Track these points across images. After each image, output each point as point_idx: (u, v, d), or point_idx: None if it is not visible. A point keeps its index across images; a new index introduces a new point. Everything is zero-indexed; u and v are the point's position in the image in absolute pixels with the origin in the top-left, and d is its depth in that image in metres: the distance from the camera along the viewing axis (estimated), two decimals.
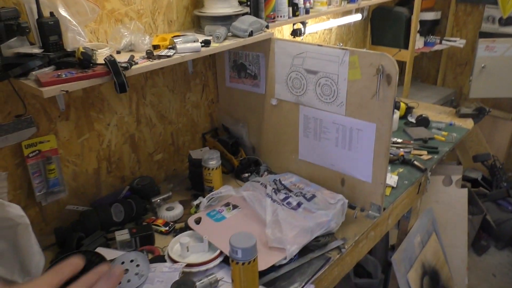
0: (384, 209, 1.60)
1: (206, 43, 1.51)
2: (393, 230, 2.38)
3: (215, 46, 1.53)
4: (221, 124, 2.08)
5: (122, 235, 1.41)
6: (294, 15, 1.99)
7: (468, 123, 2.41)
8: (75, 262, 0.50)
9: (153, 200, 1.63)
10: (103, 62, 1.23)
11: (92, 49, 1.27)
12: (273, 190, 1.61)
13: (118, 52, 1.43)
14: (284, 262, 1.32)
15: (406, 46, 2.83)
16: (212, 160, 1.68)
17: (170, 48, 1.44)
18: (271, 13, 1.87)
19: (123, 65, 1.25)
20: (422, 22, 3.00)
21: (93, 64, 1.25)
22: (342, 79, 1.52)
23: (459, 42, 3.04)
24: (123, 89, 1.23)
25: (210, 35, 1.60)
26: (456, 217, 2.48)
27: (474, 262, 2.81)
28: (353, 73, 1.48)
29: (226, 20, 1.66)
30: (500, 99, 3.16)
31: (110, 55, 1.25)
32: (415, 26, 2.75)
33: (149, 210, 1.64)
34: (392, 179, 1.82)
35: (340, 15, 2.55)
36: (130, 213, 1.54)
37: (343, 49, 1.49)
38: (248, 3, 1.77)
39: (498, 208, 2.97)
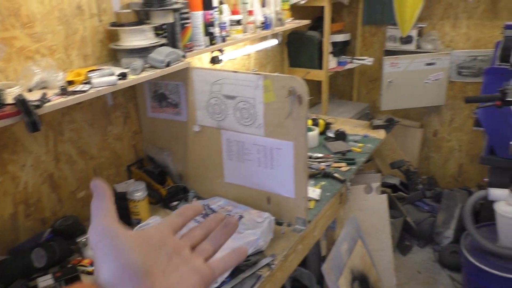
0: (309, 221, 1.69)
1: (123, 75, 1.52)
2: (324, 241, 2.49)
3: (132, 78, 1.55)
4: (146, 155, 2.07)
5: (45, 281, 1.35)
6: (211, 43, 2.07)
7: (381, 134, 2.62)
8: (196, 207, 0.51)
9: (78, 240, 1.57)
10: (13, 101, 1.20)
11: (1, 89, 1.23)
12: (202, 216, 1.63)
13: (30, 91, 1.39)
14: (216, 285, 1.34)
15: (320, 67, 3.03)
16: (138, 191, 1.67)
17: (85, 83, 1.43)
18: (188, 43, 1.92)
19: (34, 103, 1.22)
20: (334, 44, 3.24)
21: (1, 105, 1.21)
22: (258, 102, 1.60)
23: (368, 61, 3.31)
24: (35, 128, 1.20)
25: (127, 68, 1.61)
26: (379, 222, 2.65)
27: (401, 262, 3.01)
28: (267, 96, 1.57)
29: (142, 52, 1.68)
30: (408, 109, 3.47)
31: (20, 94, 1.22)
32: (326, 48, 2.96)
33: (74, 251, 1.58)
34: (315, 192, 1.92)
35: (257, 41, 2.68)
36: (53, 256, 1.47)
37: (257, 74, 1.58)
38: (165, 34, 1.81)
39: (416, 209, 3.22)
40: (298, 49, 3.05)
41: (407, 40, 3.25)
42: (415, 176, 3.34)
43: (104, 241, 0.39)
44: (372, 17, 3.42)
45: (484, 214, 2.56)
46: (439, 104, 3.34)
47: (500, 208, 2.07)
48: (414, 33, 3.21)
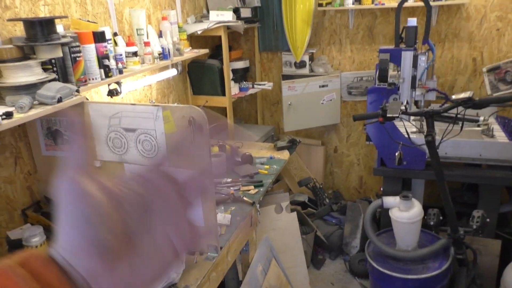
0: (221, 248, 1.69)
1: (8, 115, 1.42)
2: (240, 265, 2.50)
3: (19, 117, 1.44)
4: (43, 196, 1.92)
5: None
6: (107, 76, 2.01)
7: (285, 155, 2.75)
8: None
9: None
10: None
11: None
12: None
13: None
14: None
15: (224, 93, 3.10)
16: (35, 237, 1.54)
17: None
18: (82, 76, 1.85)
19: None
20: (234, 71, 3.35)
21: None
22: (159, 133, 1.59)
23: (268, 85, 3.47)
24: None
25: (13, 106, 1.50)
26: (292, 239, 2.75)
27: (315, 276, 3.13)
28: (168, 126, 1.57)
29: (30, 88, 1.58)
30: (309, 129, 3.69)
31: None
32: (227, 75, 3.05)
33: None
34: (225, 218, 1.94)
35: (156, 71, 2.67)
36: None
37: (155, 105, 1.57)
38: (54, 69, 1.72)
39: (325, 223, 3.39)
40: (200, 77, 3.10)
41: (301, 64, 3.49)
42: (322, 191, 3.53)
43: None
44: (268, 44, 3.62)
45: (384, 221, 2.79)
46: (336, 122, 3.61)
47: (394, 214, 2.27)
48: (306, 58, 3.46)
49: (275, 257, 2.37)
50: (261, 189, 2.27)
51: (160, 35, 2.59)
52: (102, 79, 1.98)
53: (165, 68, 2.74)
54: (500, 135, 2.62)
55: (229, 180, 2.37)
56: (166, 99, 2.92)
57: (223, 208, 2.05)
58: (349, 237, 3.27)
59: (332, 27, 3.47)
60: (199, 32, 2.84)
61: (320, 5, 3.26)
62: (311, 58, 3.52)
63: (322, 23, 3.48)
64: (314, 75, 3.44)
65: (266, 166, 2.55)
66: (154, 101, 2.69)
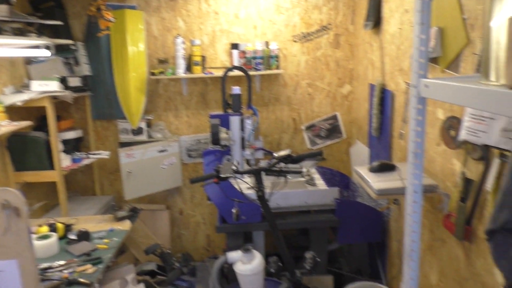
0: None
1: None
2: None
3: None
4: None
5: None
6: None
7: (126, 225, 2.63)
8: None
9: None
10: None
11: None
12: None
13: None
14: None
15: (52, 167, 2.86)
16: None
17: None
18: None
19: None
20: (65, 141, 3.14)
21: None
22: None
23: (105, 154, 3.34)
24: None
25: None
26: None
27: None
28: None
29: None
30: (152, 194, 3.63)
31: None
32: (55, 147, 2.84)
33: None
34: None
35: None
36: None
37: None
38: None
39: None
40: (23, 151, 2.81)
41: (138, 131, 3.48)
42: (170, 256, 3.44)
43: None
44: (101, 112, 3.52)
45: (232, 275, 2.85)
46: (178, 185, 3.64)
47: (238, 268, 2.35)
48: (143, 124, 3.47)
49: None
50: (100, 266, 2.11)
51: None
52: None
53: None
54: (320, 183, 3.01)
55: (62, 262, 2.14)
56: None
57: None
58: None
59: (167, 94, 3.59)
60: (19, 104, 2.61)
61: (153, 74, 3.37)
62: (149, 125, 3.54)
63: (156, 90, 3.57)
64: (153, 141, 3.46)
65: (106, 240, 2.39)
66: None
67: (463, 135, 1.61)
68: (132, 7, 3.35)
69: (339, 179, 3.37)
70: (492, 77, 0.86)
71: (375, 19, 2.80)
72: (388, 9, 2.68)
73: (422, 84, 1.08)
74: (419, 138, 1.16)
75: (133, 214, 2.74)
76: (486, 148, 1.55)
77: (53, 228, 2.40)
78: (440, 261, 2.08)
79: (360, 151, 3.40)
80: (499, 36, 0.84)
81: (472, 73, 1.68)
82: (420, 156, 1.17)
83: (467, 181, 1.71)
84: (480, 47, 1.64)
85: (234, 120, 2.57)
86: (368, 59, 3.14)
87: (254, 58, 3.37)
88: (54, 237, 2.29)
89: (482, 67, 0.92)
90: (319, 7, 3.49)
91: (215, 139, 2.54)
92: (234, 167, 2.14)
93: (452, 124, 1.84)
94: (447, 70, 1.89)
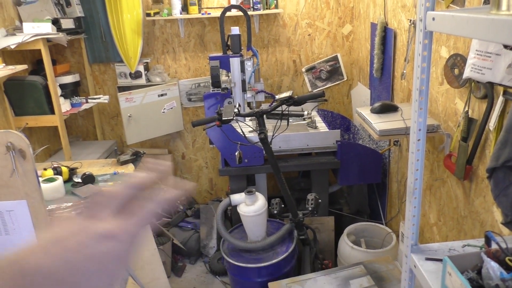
0: None
1: None
2: None
3: None
4: None
5: None
6: None
7: (130, 168, 2.67)
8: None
9: None
10: None
11: None
12: None
13: None
14: None
15: (53, 111, 2.84)
16: None
17: None
18: None
19: None
20: (63, 86, 3.10)
21: None
22: None
23: (104, 98, 3.30)
24: None
25: None
26: (147, 253, 2.68)
27: (177, 284, 3.13)
28: None
29: None
30: (154, 138, 3.65)
31: None
32: (54, 91, 2.81)
33: None
34: None
35: None
36: None
37: None
38: None
39: (181, 230, 3.41)
40: (21, 96, 2.78)
41: (136, 75, 3.42)
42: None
43: None
44: (98, 56, 3.45)
45: (235, 217, 2.94)
46: (179, 129, 3.65)
47: (241, 209, 2.42)
48: (141, 68, 3.41)
49: (131, 275, 2.29)
50: None
51: None
52: None
53: None
54: (322, 125, 3.02)
55: (69, 204, 2.19)
56: None
57: None
58: (206, 239, 3.35)
59: (164, 36, 3.49)
60: (12, 47, 2.54)
61: (148, 15, 3.25)
62: (147, 68, 3.48)
63: (153, 32, 3.47)
64: (152, 85, 3.42)
65: (111, 183, 2.43)
66: None
67: (467, 72, 1.59)
68: None
69: (340, 121, 3.37)
70: (503, 6, 0.83)
71: None
72: None
73: (429, 17, 1.05)
74: (424, 74, 1.14)
75: (136, 158, 2.77)
76: (491, 86, 1.53)
77: (58, 172, 2.43)
78: (440, 200, 2.13)
79: (361, 93, 3.37)
80: None
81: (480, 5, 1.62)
82: (425, 93, 1.16)
83: (469, 121, 1.71)
84: None
85: (234, 62, 2.52)
86: None
87: None
88: (59, 180, 2.33)
89: None
90: None
91: (216, 82, 2.50)
92: (236, 110, 2.12)
93: (456, 62, 1.81)
94: (453, 5, 1.82)
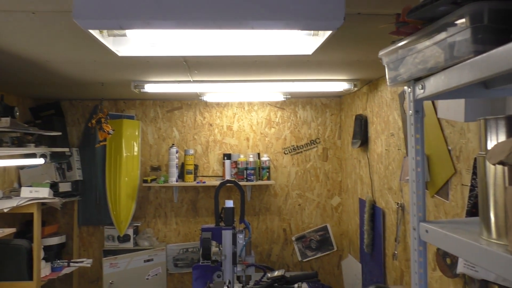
0: None
1: None
2: None
3: None
4: None
5: None
6: None
7: None
8: None
9: None
10: None
11: None
12: None
13: None
14: None
15: (31, 277, 2.70)
16: None
17: None
18: None
19: None
20: (47, 247, 3.02)
21: None
22: None
23: (87, 262, 3.18)
24: None
25: None
26: None
27: None
28: None
29: None
30: None
31: None
32: (38, 255, 2.71)
33: None
34: None
35: None
36: None
37: None
38: None
39: None
40: (2, 259, 2.67)
41: (125, 239, 3.38)
42: None
43: None
44: (89, 218, 3.45)
45: None
46: None
47: None
48: (131, 231, 3.39)
49: None
50: None
51: None
52: None
53: None
54: None
55: None
56: None
57: None
58: None
59: (158, 200, 3.57)
60: (5, 211, 2.55)
61: (145, 181, 3.38)
62: (136, 232, 3.46)
63: (147, 197, 3.56)
64: (139, 249, 3.35)
65: None
66: None
67: (460, 268, 1.61)
68: (131, 117, 3.49)
69: None
70: (494, 234, 0.89)
71: (362, 138, 2.95)
72: (374, 131, 2.83)
73: (422, 228, 1.11)
74: (422, 280, 1.15)
75: None
76: (485, 283, 1.54)
77: None
78: None
79: (353, 266, 3.32)
80: (497, 194, 0.89)
81: (462, 202, 1.73)
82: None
83: None
84: (467, 178, 1.71)
85: (227, 235, 2.52)
86: (357, 174, 3.23)
87: (246, 169, 3.44)
88: None
89: (481, 219, 0.95)
90: (308, 122, 3.68)
91: (206, 254, 2.47)
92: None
93: (447, 252, 1.84)
94: (437, 196, 1.95)
